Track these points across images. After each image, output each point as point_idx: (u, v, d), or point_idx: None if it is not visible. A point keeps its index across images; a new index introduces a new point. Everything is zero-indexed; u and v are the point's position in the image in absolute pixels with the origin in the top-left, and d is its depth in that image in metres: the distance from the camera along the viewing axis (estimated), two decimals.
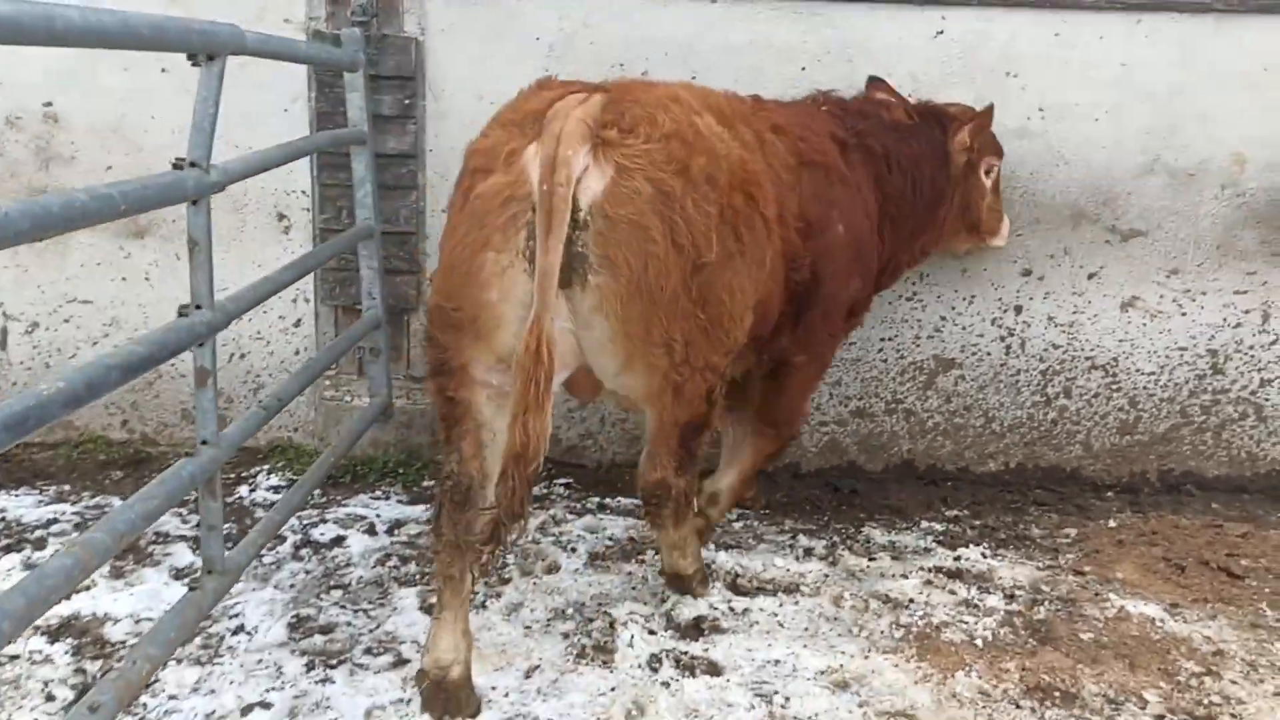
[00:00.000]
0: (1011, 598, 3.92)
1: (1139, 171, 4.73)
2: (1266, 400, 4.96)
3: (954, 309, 4.91)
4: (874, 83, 4.40)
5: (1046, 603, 3.89)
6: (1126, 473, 5.02)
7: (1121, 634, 3.71)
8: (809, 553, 4.26)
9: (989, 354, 4.94)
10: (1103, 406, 4.98)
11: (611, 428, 5.04)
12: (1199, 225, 4.79)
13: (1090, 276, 4.85)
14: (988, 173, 4.42)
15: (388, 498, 4.67)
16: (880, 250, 4.13)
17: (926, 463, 5.07)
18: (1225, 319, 4.89)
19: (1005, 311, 4.90)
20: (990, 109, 4.30)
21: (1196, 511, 4.79)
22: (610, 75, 3.95)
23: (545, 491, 4.77)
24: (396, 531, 4.31)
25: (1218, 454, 5.02)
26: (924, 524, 4.58)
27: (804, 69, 4.63)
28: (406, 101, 4.64)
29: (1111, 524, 4.61)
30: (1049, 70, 4.63)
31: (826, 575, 4.05)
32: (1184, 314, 4.88)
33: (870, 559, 4.20)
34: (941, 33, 4.60)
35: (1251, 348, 4.91)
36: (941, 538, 4.44)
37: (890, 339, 4.93)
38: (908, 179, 4.16)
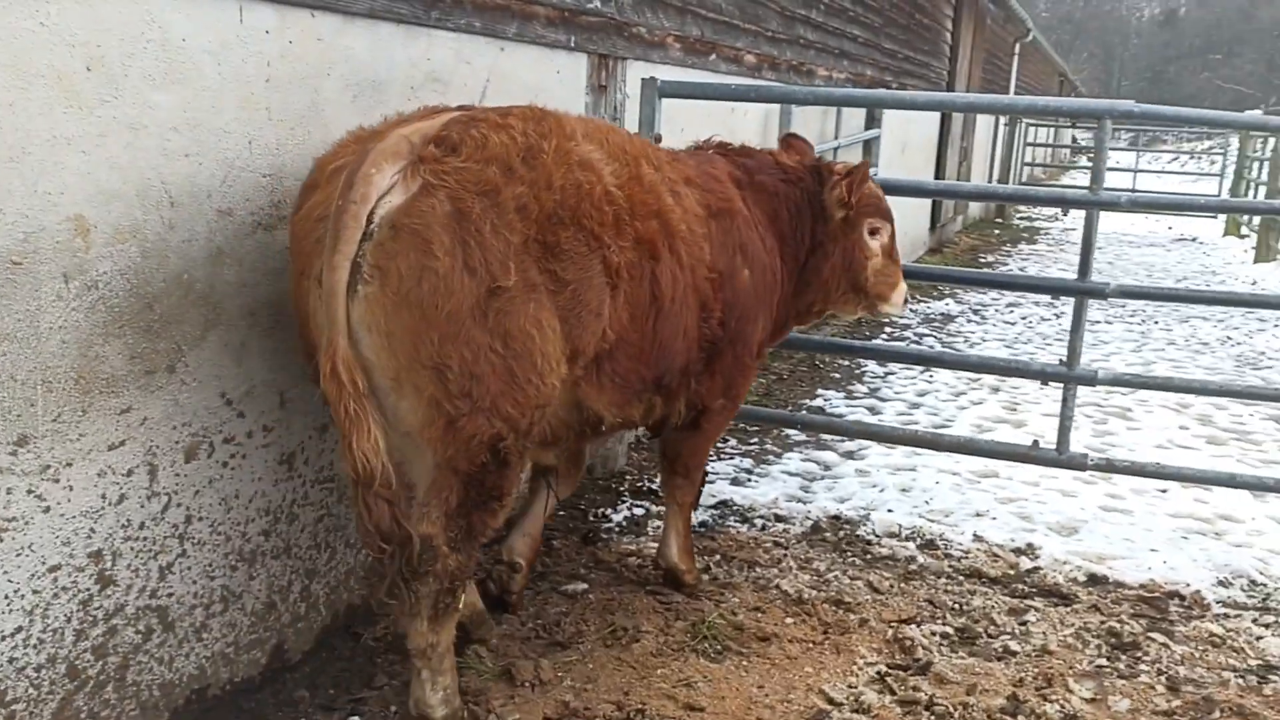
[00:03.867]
0: None
1: None
2: (171, 595, 3.12)
3: None
4: (792, 139, 4.51)
5: None
6: None
7: None
8: None
9: None
10: None
11: None
12: (42, 348, 2.64)
13: None
14: (873, 234, 4.29)
15: None
16: (783, 284, 4.08)
17: None
18: (105, 495, 2.86)
19: None
20: (865, 165, 4.21)
21: None
22: None
23: None
24: None
25: (126, 712, 3.00)
26: None
27: None
28: None
29: None
30: None
31: None
32: (46, 510, 2.70)
33: None
34: None
35: (143, 525, 3.00)
36: None
37: None
38: (794, 222, 4.12)
